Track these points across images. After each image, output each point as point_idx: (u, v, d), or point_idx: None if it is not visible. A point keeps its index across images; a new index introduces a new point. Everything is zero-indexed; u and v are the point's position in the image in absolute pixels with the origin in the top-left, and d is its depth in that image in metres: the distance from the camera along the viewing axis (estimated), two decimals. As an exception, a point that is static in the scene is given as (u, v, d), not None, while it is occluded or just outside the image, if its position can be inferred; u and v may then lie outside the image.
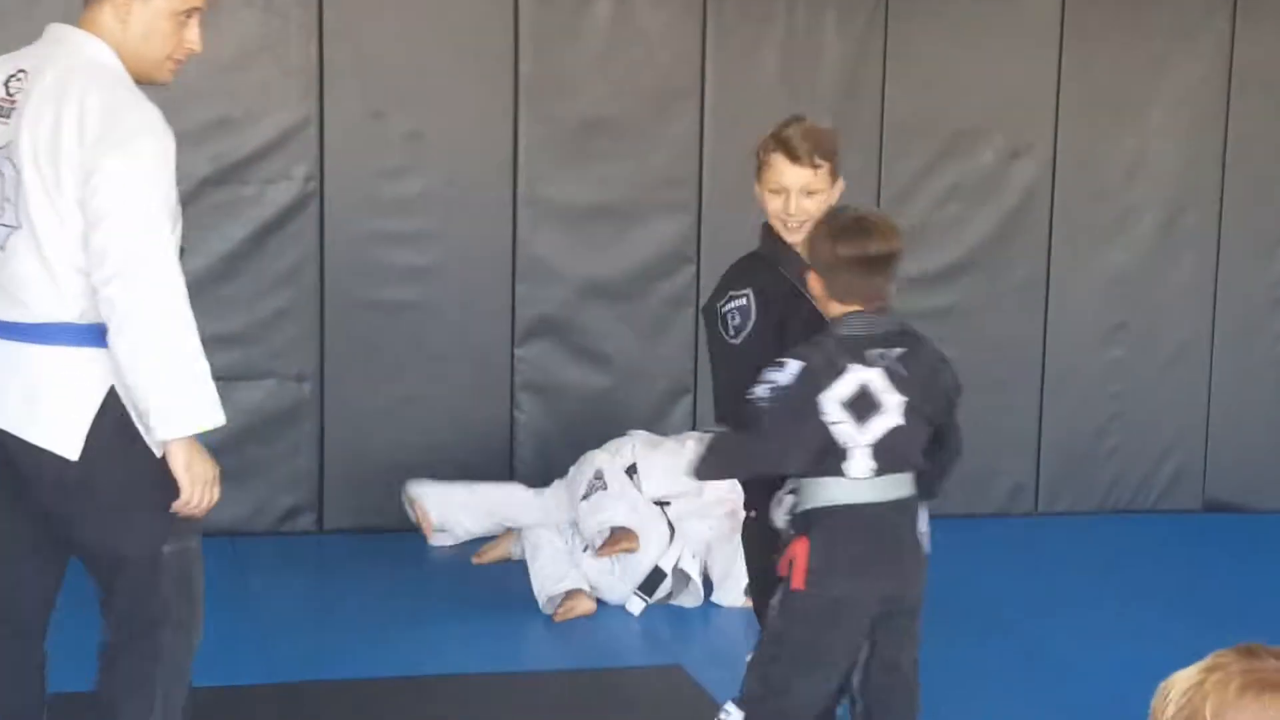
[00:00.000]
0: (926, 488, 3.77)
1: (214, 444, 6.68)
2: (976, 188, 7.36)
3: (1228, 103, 7.56)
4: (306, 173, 6.64)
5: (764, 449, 3.66)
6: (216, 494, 3.63)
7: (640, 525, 5.87)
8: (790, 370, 3.59)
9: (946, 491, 3.96)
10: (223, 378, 6.62)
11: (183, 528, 3.63)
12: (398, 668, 5.18)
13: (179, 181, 6.52)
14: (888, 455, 3.61)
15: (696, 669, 5.22)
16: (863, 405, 3.58)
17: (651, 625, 5.85)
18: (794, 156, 3.90)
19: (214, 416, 3.58)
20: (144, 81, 3.61)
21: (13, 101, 3.50)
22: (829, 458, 3.59)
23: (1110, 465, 7.72)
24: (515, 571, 6.15)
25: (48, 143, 3.42)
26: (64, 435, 3.49)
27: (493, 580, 6.21)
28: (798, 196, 3.91)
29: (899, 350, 3.64)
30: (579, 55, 6.90)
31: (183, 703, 3.72)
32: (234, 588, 6.07)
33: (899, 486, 3.65)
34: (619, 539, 5.78)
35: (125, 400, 3.50)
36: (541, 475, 6.89)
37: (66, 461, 3.49)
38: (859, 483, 3.60)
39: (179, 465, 3.53)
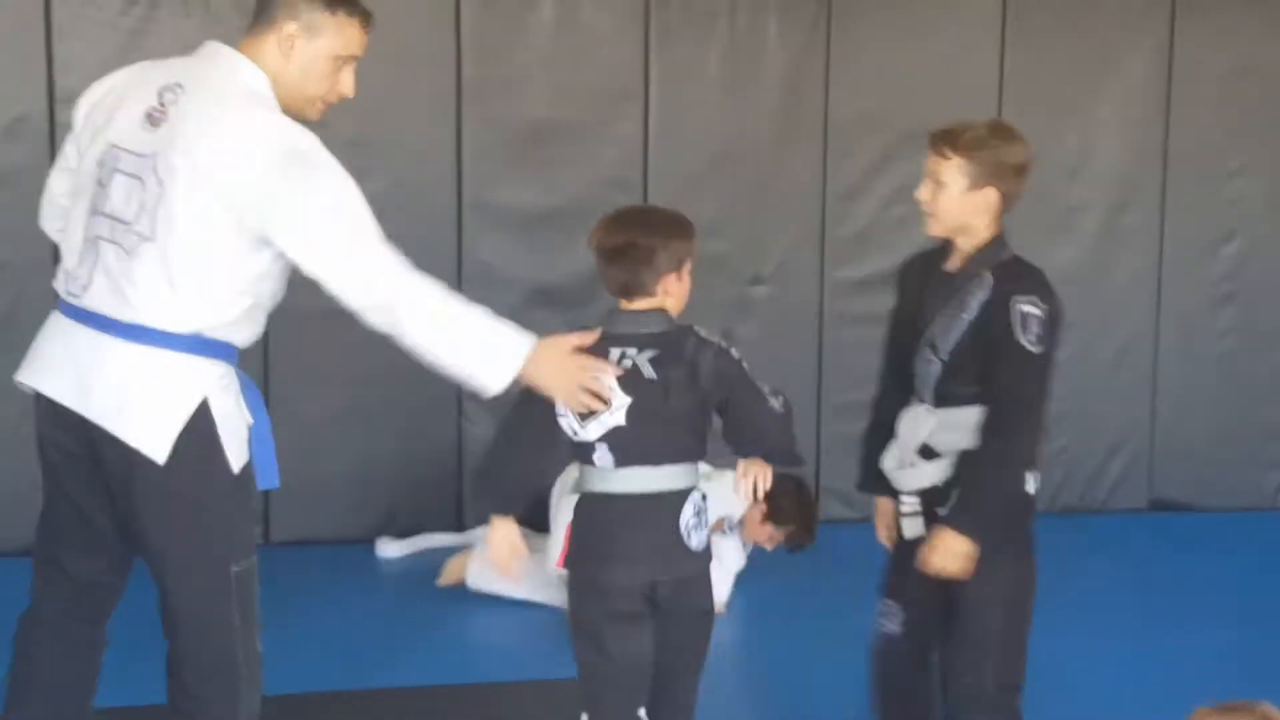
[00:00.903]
0: (774, 458, 3.79)
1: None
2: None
3: (1168, 100, 7.61)
4: (249, 181, 6.57)
5: (502, 434, 3.91)
6: (599, 386, 3.64)
7: None
8: None
9: (799, 455, 3.89)
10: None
11: (250, 549, 3.67)
12: (349, 681, 5.14)
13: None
14: (623, 450, 3.69)
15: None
16: None
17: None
18: (931, 140, 3.97)
19: (520, 349, 3.62)
20: (292, 116, 3.65)
21: (164, 112, 3.51)
22: (579, 448, 3.74)
23: (1057, 465, 7.73)
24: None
25: (208, 164, 3.44)
26: (153, 437, 3.49)
27: (443, 592, 6.15)
28: (927, 180, 3.99)
29: (650, 352, 3.68)
30: (522, 58, 6.87)
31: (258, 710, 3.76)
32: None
33: (650, 479, 3.71)
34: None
35: (220, 415, 3.53)
36: (490, 483, 6.86)
37: (152, 463, 3.49)
38: (604, 472, 3.72)
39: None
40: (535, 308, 6.96)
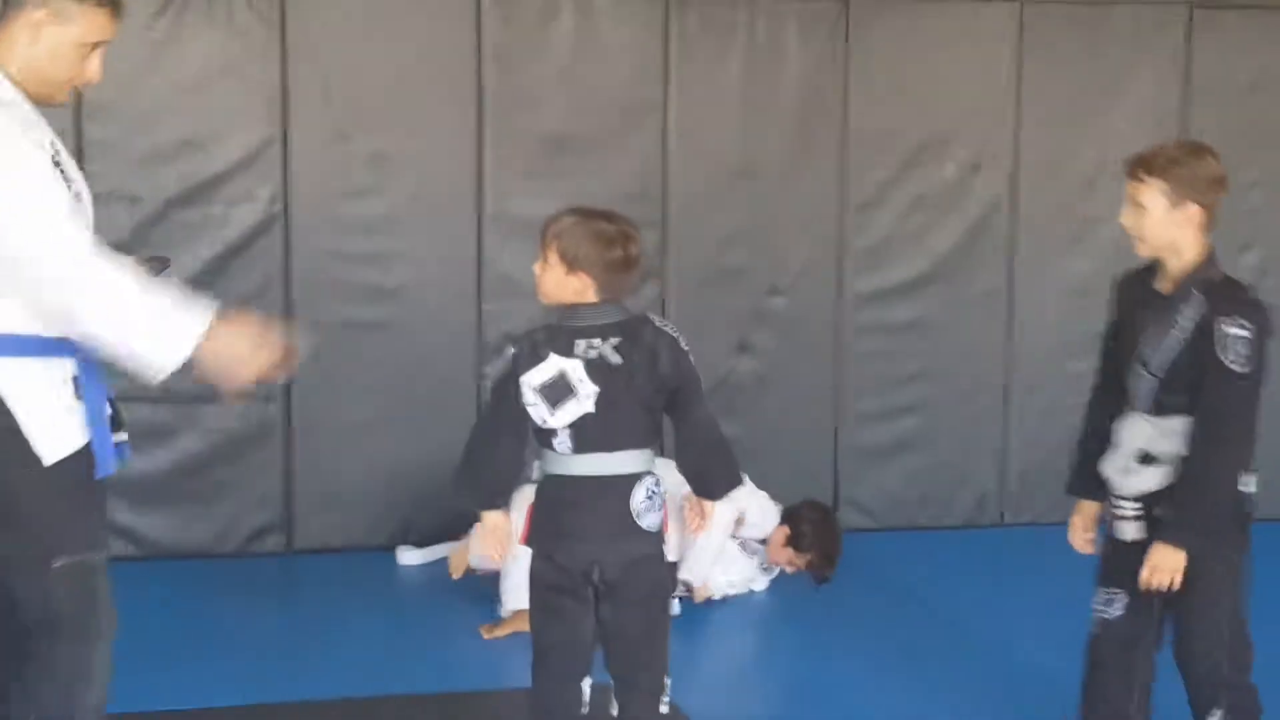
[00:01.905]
0: (705, 485, 4.04)
1: (181, 465, 6.72)
2: (940, 199, 7.40)
3: (1185, 112, 7.62)
4: (271, 193, 6.64)
5: (480, 429, 4.11)
6: (264, 358, 3.67)
7: None
8: (504, 356, 3.98)
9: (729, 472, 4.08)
10: (191, 399, 6.67)
11: (78, 544, 3.57)
12: (370, 687, 5.17)
13: (146, 202, 6.56)
14: (584, 436, 3.86)
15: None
16: (556, 391, 3.86)
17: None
18: (1127, 167, 4.15)
19: (192, 331, 3.56)
20: (42, 101, 3.62)
21: None
22: (542, 433, 3.91)
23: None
24: (486, 589, 6.14)
25: None
26: None
27: (462, 598, 6.19)
28: (1128, 206, 4.14)
29: (614, 339, 3.87)
30: (542, 71, 6.92)
31: (97, 709, 3.66)
32: (203, 609, 6.06)
33: (604, 464, 3.88)
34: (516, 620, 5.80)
35: (16, 410, 3.46)
36: (510, 492, 6.90)
37: None
38: (562, 457, 3.91)
39: (210, 371, 3.58)
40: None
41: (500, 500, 4.03)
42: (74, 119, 6.39)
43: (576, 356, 3.86)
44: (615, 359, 3.85)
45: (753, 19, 7.10)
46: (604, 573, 3.92)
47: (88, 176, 6.45)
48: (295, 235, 6.68)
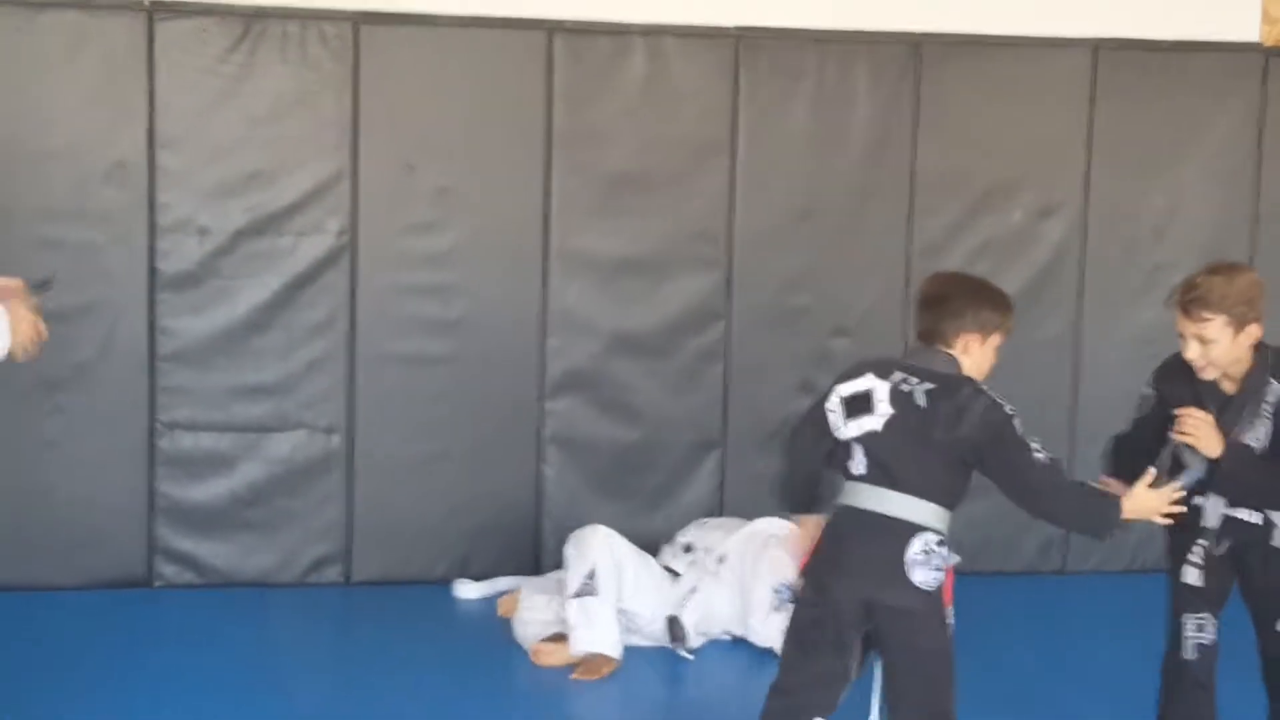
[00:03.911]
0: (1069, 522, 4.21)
1: (242, 495, 6.78)
2: (1007, 245, 7.35)
3: (1259, 160, 7.55)
4: (339, 226, 6.68)
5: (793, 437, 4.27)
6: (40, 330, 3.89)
7: (640, 592, 6.00)
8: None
9: (1082, 530, 4.25)
10: (254, 429, 6.75)
11: None
12: (426, 718, 5.17)
13: (215, 233, 6.65)
14: (875, 463, 3.96)
15: None
16: (856, 404, 3.99)
17: (675, 681, 5.84)
18: (1183, 308, 4.47)
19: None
20: None
21: None
22: (840, 451, 4.05)
23: (1138, 524, 7.65)
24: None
25: None
26: None
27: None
28: (1193, 342, 4.46)
29: (929, 385, 3.94)
30: (611, 109, 6.93)
31: None
32: (261, 638, 6.08)
33: (886, 502, 3.93)
34: (599, 665, 5.78)
35: None
36: (569, 528, 6.89)
37: None
38: (851, 487, 4.01)
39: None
40: (617, 355, 7.01)
41: (812, 506, 4.17)
42: (148, 150, 6.46)
43: (888, 381, 3.95)
44: (921, 401, 3.93)
45: (822, 61, 7.09)
46: (875, 619, 3.94)
47: (159, 207, 6.60)
48: (361, 267, 6.71)
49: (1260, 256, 7.55)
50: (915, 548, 3.88)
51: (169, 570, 6.67)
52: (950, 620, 3.98)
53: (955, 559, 3.99)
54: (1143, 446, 4.56)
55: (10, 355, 3.82)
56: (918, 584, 3.88)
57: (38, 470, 6.43)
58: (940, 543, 3.91)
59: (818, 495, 4.16)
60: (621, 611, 5.89)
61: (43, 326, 3.93)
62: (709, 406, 7.15)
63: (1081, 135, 7.36)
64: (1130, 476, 4.27)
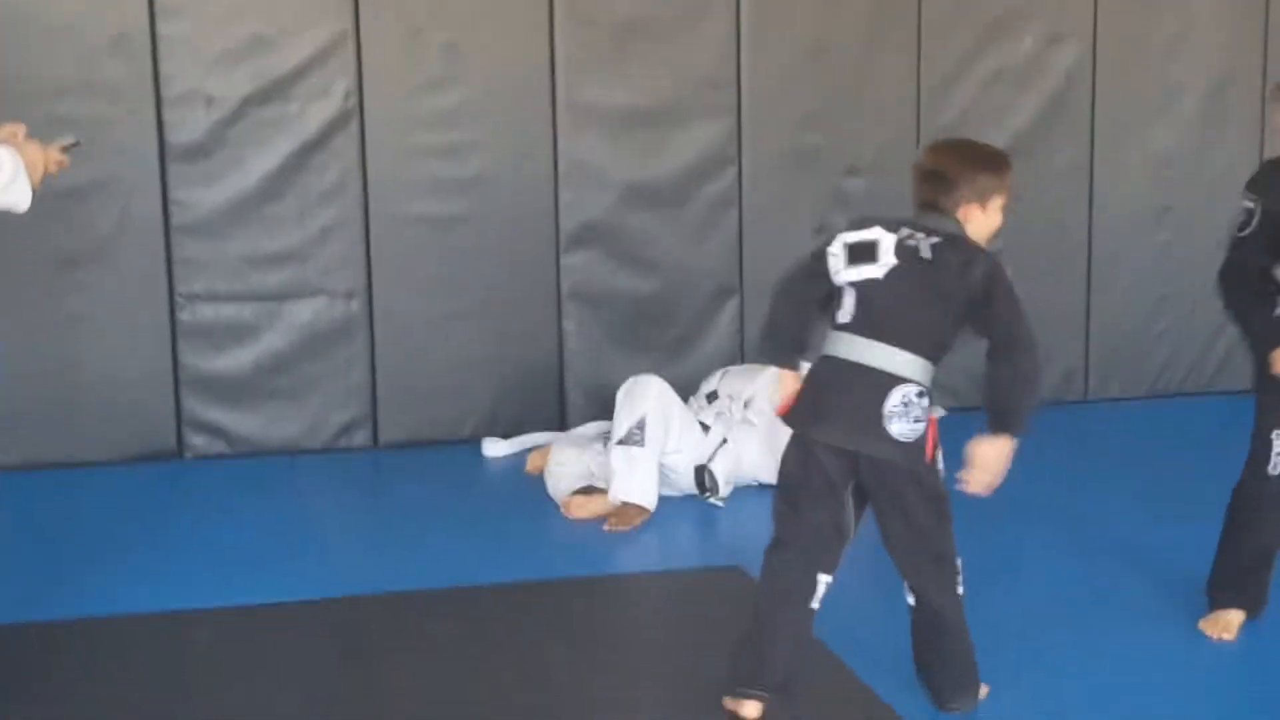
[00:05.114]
0: (1002, 416, 3.90)
1: (266, 363, 6.81)
2: (1018, 73, 7.31)
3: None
4: (346, 89, 6.64)
5: (784, 284, 4.13)
6: (52, 160, 3.91)
7: (679, 441, 6.01)
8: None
9: (1021, 425, 3.91)
10: (273, 297, 6.77)
11: None
12: (452, 577, 5.22)
13: (223, 102, 6.61)
14: (866, 311, 3.90)
15: (756, 570, 5.26)
16: (860, 251, 3.94)
17: (708, 527, 5.90)
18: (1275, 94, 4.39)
19: (17, 163, 3.79)
20: None
21: None
22: (834, 298, 3.98)
23: (1161, 348, 7.71)
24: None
25: None
26: None
27: (545, 488, 6.24)
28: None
29: (935, 240, 3.90)
30: (612, -43, 6.87)
31: None
32: (293, 504, 6.14)
33: (872, 353, 3.89)
34: (632, 515, 5.82)
35: None
36: (592, 382, 6.94)
37: None
38: (838, 336, 3.95)
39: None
40: (631, 206, 7.00)
41: (793, 360, 4.07)
42: (149, 20, 6.41)
43: (895, 234, 3.94)
44: (926, 253, 3.89)
45: (824, -107, 7.01)
46: (859, 470, 3.93)
47: (164, 78, 6.55)
48: (371, 130, 6.68)
49: (1273, 71, 7.51)
50: (894, 399, 3.85)
51: (199, 441, 6.73)
52: (940, 466, 3.98)
53: (939, 411, 3.99)
54: (1254, 265, 4.42)
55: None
56: (895, 435, 3.86)
57: (63, 348, 6.46)
58: (921, 394, 3.88)
59: (803, 343, 4.08)
60: (659, 465, 5.93)
61: (56, 154, 3.93)
62: (725, 254, 7.15)
63: (1089, -45, 7.29)
64: (1251, 303, 4.34)
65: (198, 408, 6.71)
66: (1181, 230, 7.61)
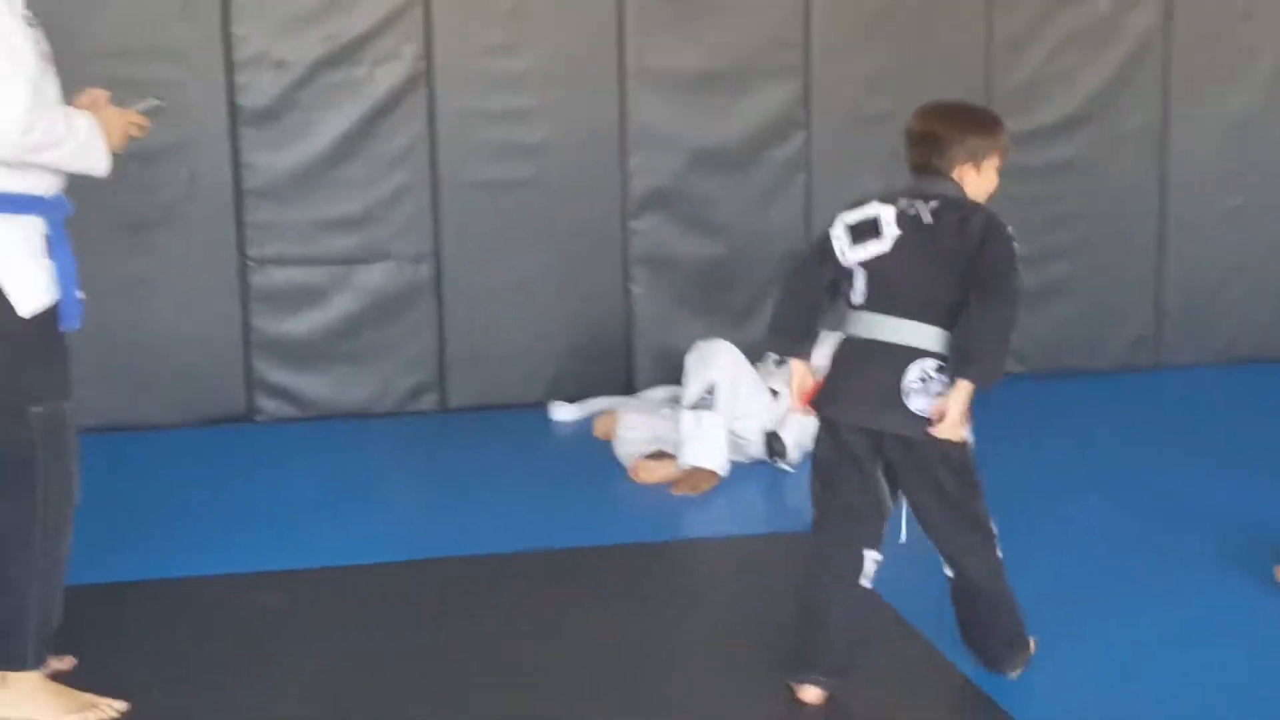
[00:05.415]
0: (966, 361, 3.82)
1: (335, 327, 6.83)
2: (1091, 35, 7.23)
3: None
4: (415, 52, 6.64)
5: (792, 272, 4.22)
6: (132, 124, 3.93)
7: (749, 406, 5.99)
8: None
9: (987, 373, 3.82)
10: (342, 261, 6.79)
11: (51, 391, 3.78)
12: (522, 541, 5.23)
13: (293, 65, 6.61)
14: (876, 287, 3.92)
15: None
16: (863, 230, 3.94)
17: (777, 492, 5.88)
18: None
19: (96, 130, 3.78)
20: None
21: None
22: (844, 280, 3.98)
23: (1233, 315, 7.62)
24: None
25: None
26: None
27: (613, 452, 6.24)
28: None
29: (934, 204, 3.91)
30: (681, -80, 6.83)
31: (60, 550, 3.86)
32: (363, 467, 6.17)
33: (887, 328, 3.90)
34: (700, 480, 5.81)
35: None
36: (659, 347, 6.93)
37: None
38: (855, 316, 3.97)
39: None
40: (698, 170, 6.97)
41: (804, 349, 4.05)
42: (218, -16, 6.43)
43: (894, 206, 3.93)
44: (926, 218, 3.89)
45: None
46: (884, 447, 3.92)
47: (234, 40, 6.57)
48: (440, 94, 6.68)
49: (1352, 34, 7.40)
50: (912, 375, 3.84)
51: (269, 405, 6.76)
52: (969, 438, 3.95)
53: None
54: None
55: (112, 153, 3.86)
56: (915, 411, 3.84)
57: (134, 312, 6.50)
58: (940, 368, 3.85)
59: (813, 329, 4.04)
60: (729, 431, 5.92)
61: (136, 117, 3.95)
62: (793, 218, 7.12)
63: (1165, -83, 7.20)
64: None
65: (268, 371, 6.75)
66: (1256, 195, 7.51)
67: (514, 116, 6.78)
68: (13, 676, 3.82)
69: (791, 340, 4.06)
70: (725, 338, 6.18)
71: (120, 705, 3.93)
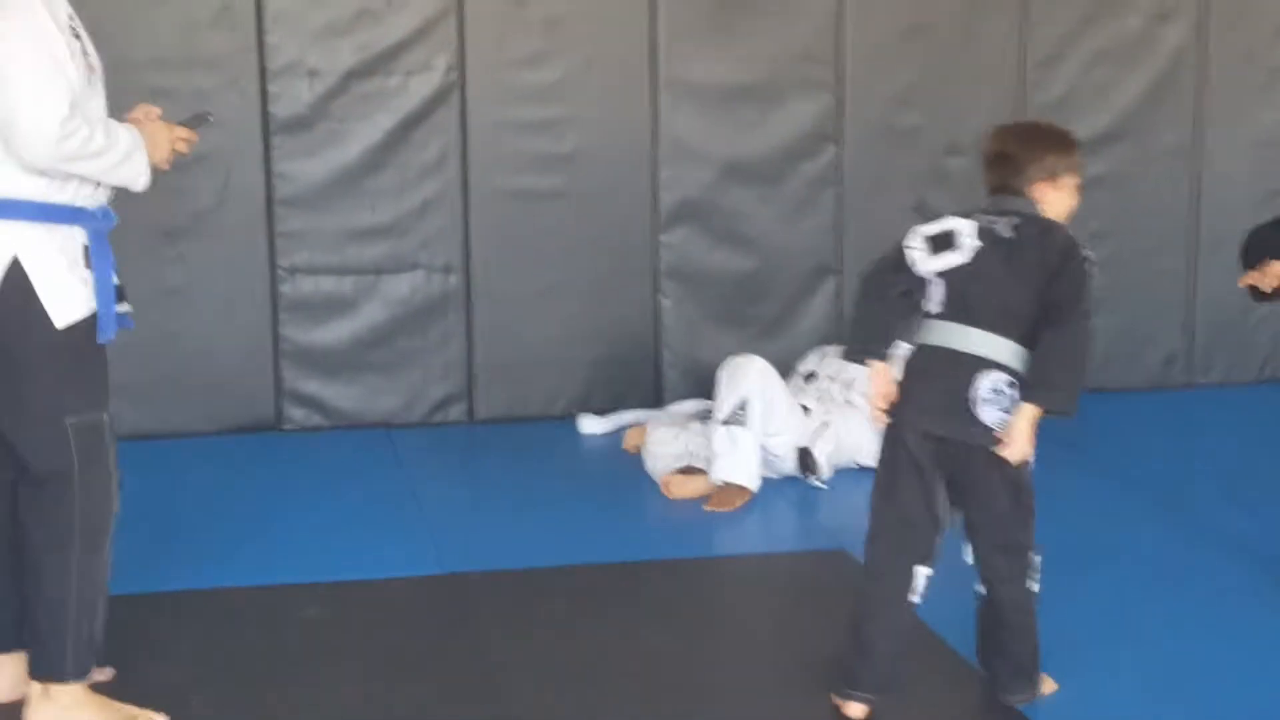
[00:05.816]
0: (1035, 385, 3.82)
1: (364, 337, 6.82)
2: (1124, 51, 7.21)
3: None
4: (448, 63, 6.64)
5: (868, 280, 4.12)
6: (179, 139, 3.95)
7: (782, 422, 5.95)
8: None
9: (1057, 398, 3.82)
10: (372, 271, 6.78)
11: (87, 401, 3.77)
12: (553, 556, 5.22)
13: (326, 75, 6.62)
14: (953, 297, 3.91)
15: (859, 553, 5.22)
16: (941, 241, 3.94)
17: (810, 509, 5.86)
18: None
19: (139, 145, 3.78)
20: None
21: None
22: (919, 290, 3.98)
23: (1265, 333, 7.58)
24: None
25: None
26: None
27: (643, 466, 6.22)
28: None
29: (1014, 220, 3.92)
30: (716, -68, 6.82)
31: (99, 560, 3.85)
32: (390, 477, 6.16)
33: (960, 338, 3.90)
34: (733, 497, 5.79)
35: (33, 274, 3.63)
36: (689, 360, 6.92)
37: None
38: (930, 325, 3.96)
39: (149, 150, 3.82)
40: (729, 183, 6.97)
41: (880, 352, 4.03)
42: (254, -7, 6.44)
43: (973, 220, 3.95)
44: (1006, 233, 3.90)
45: None
46: (948, 457, 3.90)
47: (268, 50, 6.57)
48: (471, 104, 6.68)
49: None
50: (984, 386, 3.83)
51: (298, 413, 6.76)
52: (1030, 461, 3.93)
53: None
54: None
55: (155, 169, 3.85)
56: (985, 423, 3.83)
57: (165, 319, 6.50)
58: (1011, 384, 3.84)
59: (890, 333, 4.04)
60: (761, 447, 5.89)
61: (183, 131, 3.95)
62: (823, 232, 7.10)
63: (1199, -66, 7.18)
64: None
65: (297, 380, 6.74)
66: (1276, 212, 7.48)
67: (545, 127, 6.77)
68: (55, 688, 3.81)
69: (871, 343, 4.04)
70: (754, 351, 6.16)
71: (160, 717, 3.92)
